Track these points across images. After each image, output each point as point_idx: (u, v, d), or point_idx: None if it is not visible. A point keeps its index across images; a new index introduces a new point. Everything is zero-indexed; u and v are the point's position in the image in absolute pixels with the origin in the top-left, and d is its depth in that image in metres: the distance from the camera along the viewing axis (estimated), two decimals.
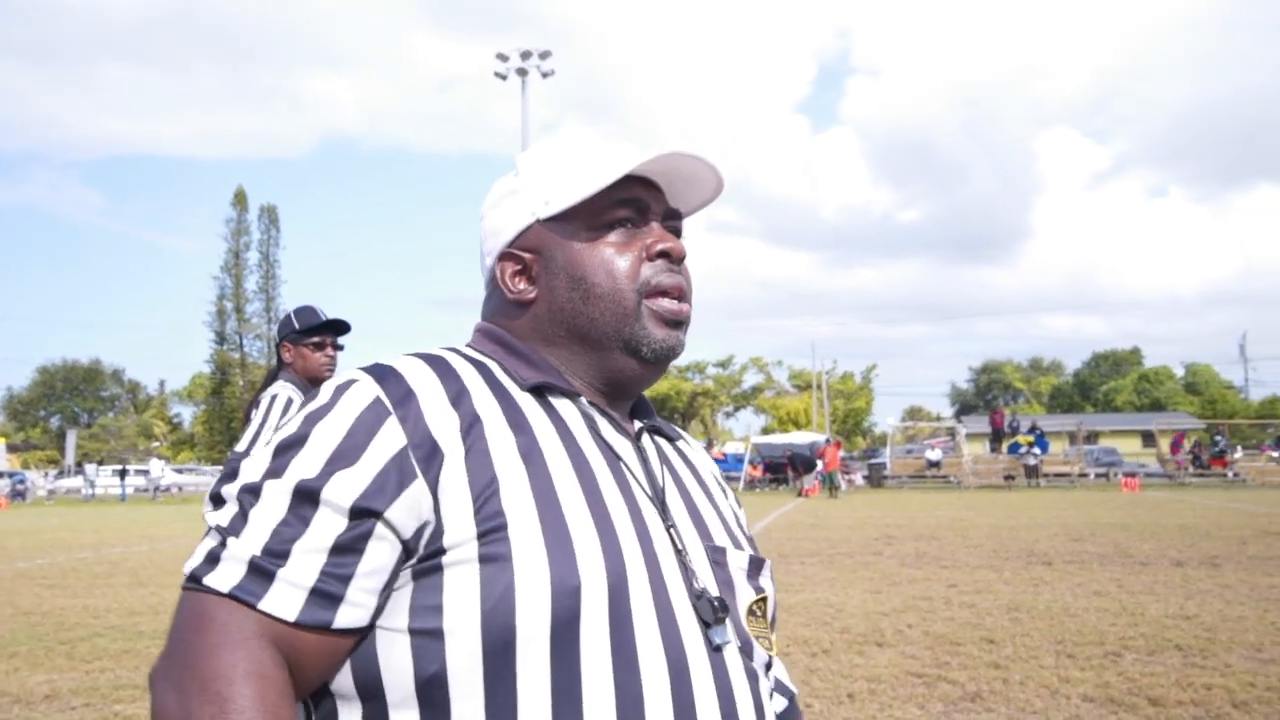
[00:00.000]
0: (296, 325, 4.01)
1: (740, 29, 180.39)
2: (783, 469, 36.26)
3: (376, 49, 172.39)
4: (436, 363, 0.99)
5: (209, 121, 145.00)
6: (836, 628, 7.05)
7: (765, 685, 1.05)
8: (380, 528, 0.87)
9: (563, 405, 1.03)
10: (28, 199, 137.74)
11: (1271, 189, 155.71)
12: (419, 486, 0.88)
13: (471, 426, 0.93)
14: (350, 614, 0.87)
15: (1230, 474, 34.32)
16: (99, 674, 5.97)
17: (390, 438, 0.89)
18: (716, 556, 1.05)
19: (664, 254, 1.06)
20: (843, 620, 7.34)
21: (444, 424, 0.92)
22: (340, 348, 4.07)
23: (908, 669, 5.74)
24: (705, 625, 0.96)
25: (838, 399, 73.02)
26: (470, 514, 0.88)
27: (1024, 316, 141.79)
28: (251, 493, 0.88)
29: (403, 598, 0.89)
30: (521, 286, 1.08)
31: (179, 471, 49.80)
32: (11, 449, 63.42)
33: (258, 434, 3.64)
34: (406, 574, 0.89)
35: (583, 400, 1.05)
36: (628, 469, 1.02)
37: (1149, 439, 46.68)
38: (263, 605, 0.84)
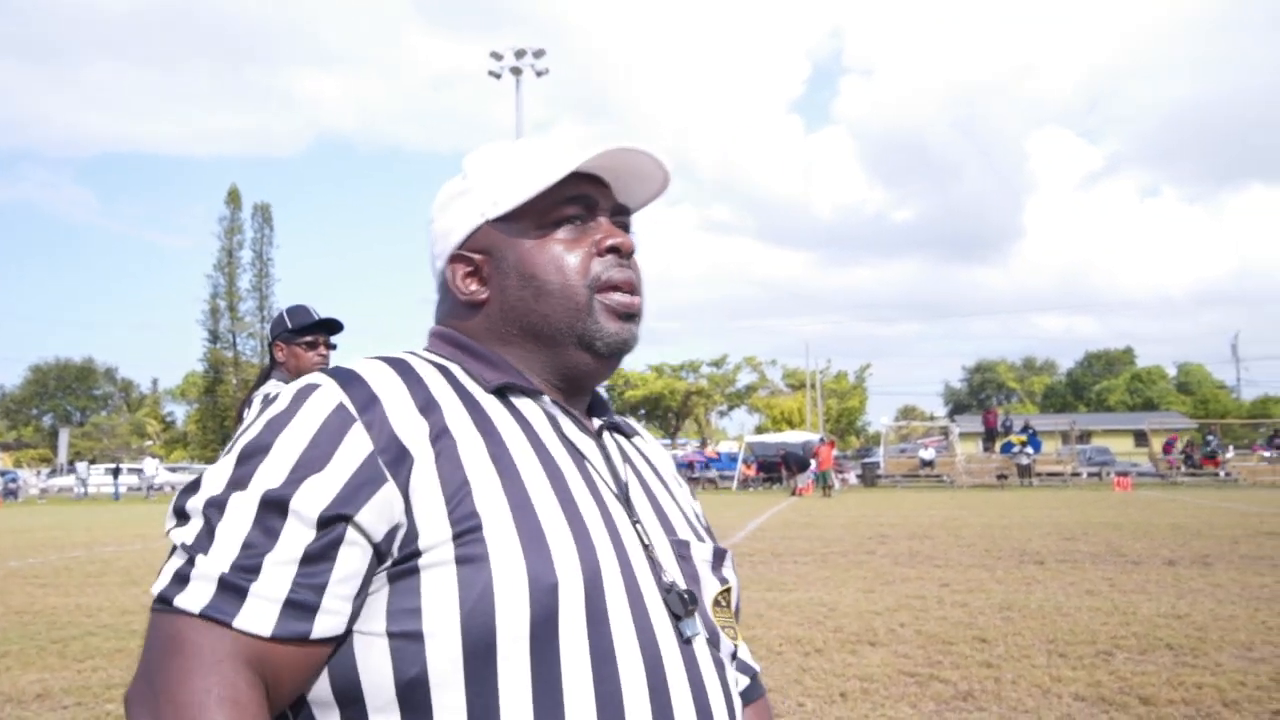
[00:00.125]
0: (289, 324, 4.01)
1: (734, 28, 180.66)
2: (776, 468, 36.31)
3: (370, 47, 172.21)
4: (399, 366, 0.99)
5: (203, 120, 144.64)
6: (829, 626, 7.06)
7: (732, 675, 1.07)
8: (351, 532, 0.86)
9: (525, 405, 1.04)
10: (21, 197, 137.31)
11: (1264, 189, 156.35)
12: (389, 489, 0.88)
13: (439, 430, 0.93)
14: (327, 622, 0.86)
15: (1222, 473, 34.47)
16: (91, 673, 5.96)
17: (356, 444, 0.88)
18: (681, 550, 1.06)
19: (614, 249, 1.07)
20: (836, 619, 7.36)
21: (411, 428, 0.91)
22: (333, 347, 4.07)
23: (900, 668, 5.75)
24: (676, 618, 0.98)
25: (831, 398, 73.10)
26: (444, 516, 0.88)
27: (1017, 316, 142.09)
28: (216, 507, 0.86)
29: (379, 601, 0.88)
30: (473, 288, 1.08)
31: (172, 470, 49.66)
32: (4, 448, 63.29)
33: None
34: (382, 578, 0.89)
35: (545, 399, 1.06)
36: (592, 467, 1.03)
37: (1141, 438, 46.85)
38: (237, 623, 0.83)
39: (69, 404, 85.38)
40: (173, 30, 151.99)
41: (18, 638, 7.15)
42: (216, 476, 0.89)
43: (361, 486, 0.86)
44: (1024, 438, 35.65)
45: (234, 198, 56.21)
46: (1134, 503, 22.24)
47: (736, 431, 70.66)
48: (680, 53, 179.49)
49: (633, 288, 1.08)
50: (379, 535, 0.87)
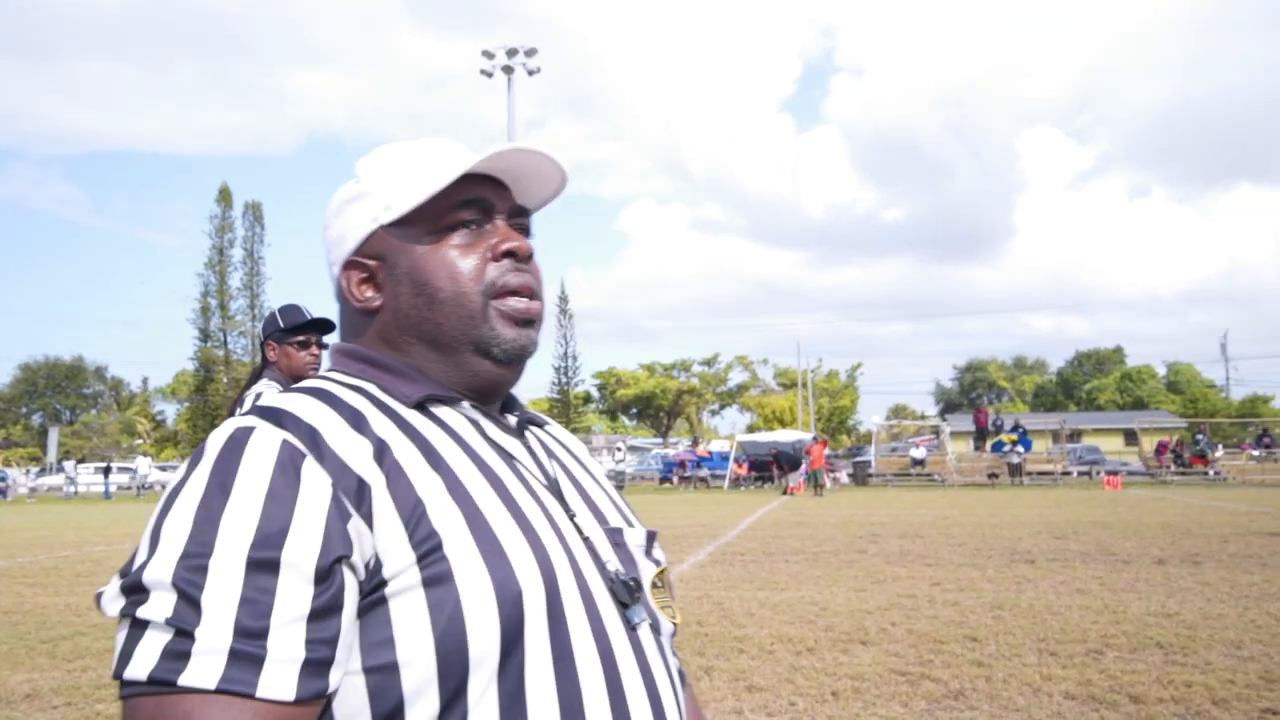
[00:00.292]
0: (281, 324, 4.01)
1: (726, 27, 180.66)
2: (768, 467, 36.35)
3: (361, 45, 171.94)
4: (320, 394, 0.96)
5: (193, 117, 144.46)
6: (821, 625, 7.07)
7: (673, 659, 1.09)
8: (347, 576, 0.83)
9: (447, 414, 1.02)
10: (8, 194, 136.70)
11: (1252, 189, 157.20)
12: (357, 523, 0.85)
13: (381, 452, 0.91)
14: (338, 673, 0.83)
15: (1211, 472, 34.58)
16: (80, 673, 5.94)
17: (315, 482, 0.85)
18: (616, 538, 1.06)
19: (510, 253, 1.05)
20: (827, 618, 7.37)
21: (357, 455, 0.89)
22: (325, 347, 4.06)
23: (891, 667, 5.76)
24: (623, 606, 0.99)
25: (823, 397, 73.20)
26: (405, 540, 0.86)
27: (1008, 315, 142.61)
28: (190, 573, 0.79)
29: (353, 638, 0.85)
30: (367, 294, 1.06)
31: (163, 469, 49.49)
32: None
33: None
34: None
35: (465, 405, 1.05)
36: (522, 466, 1.03)
37: (1131, 437, 46.98)
38: (261, 692, 0.77)
39: (59, 402, 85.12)
40: (163, 28, 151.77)
41: (7, 637, 7.12)
42: (171, 543, 0.81)
43: (338, 525, 0.83)
44: (1014, 437, 35.74)
45: (225, 196, 55.94)
46: (1124, 502, 22.31)
47: (728, 430, 70.78)
48: (671, 52, 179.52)
49: (531, 292, 1.06)
50: (362, 573, 0.85)
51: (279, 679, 0.78)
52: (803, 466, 31.42)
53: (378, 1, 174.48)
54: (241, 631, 0.78)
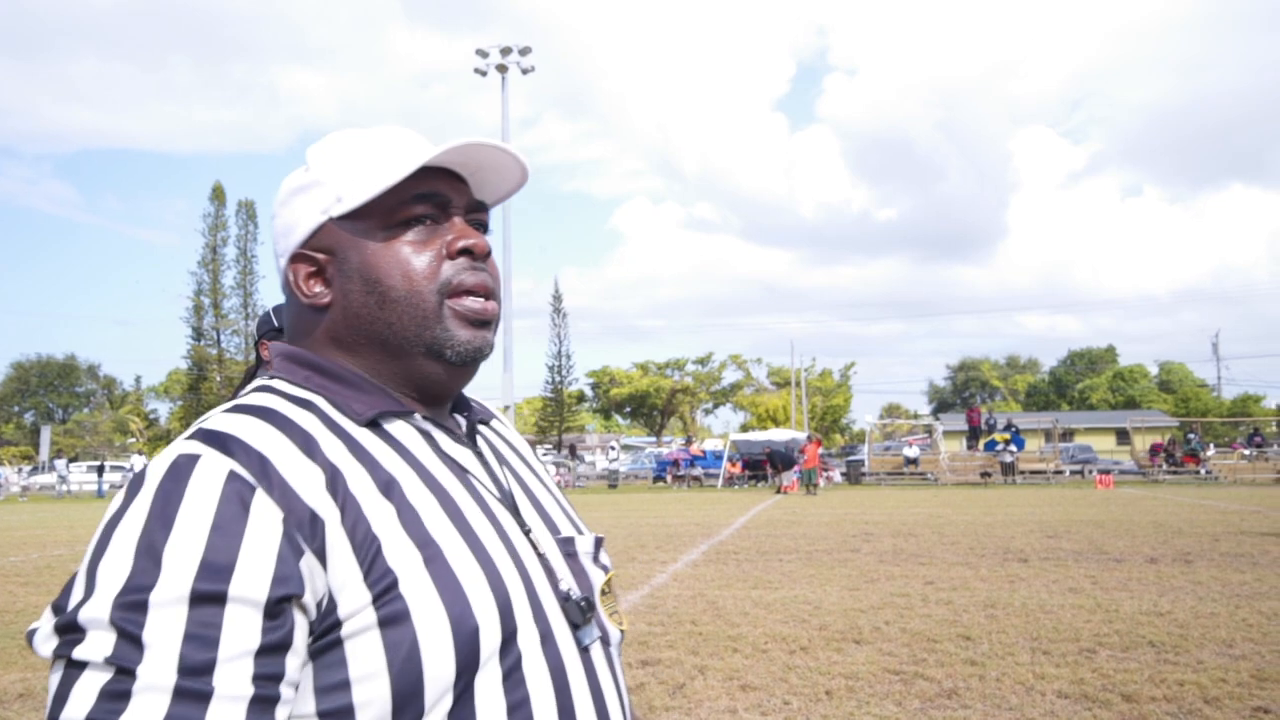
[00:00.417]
0: (275, 323, 3.99)
1: (719, 26, 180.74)
2: (761, 466, 36.37)
3: (355, 44, 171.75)
4: (268, 415, 0.90)
5: (186, 115, 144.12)
6: (814, 625, 7.08)
7: (621, 673, 1.07)
8: (298, 617, 0.80)
9: (399, 429, 0.98)
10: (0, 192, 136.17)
11: (1244, 189, 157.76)
12: (309, 560, 0.81)
13: (334, 481, 0.86)
14: (285, 712, 0.79)
15: (1203, 471, 34.68)
16: None
17: (265, 515, 0.80)
18: (567, 547, 1.05)
19: (466, 251, 1.01)
20: (820, 617, 7.38)
21: (310, 486, 0.84)
22: None
23: (885, 666, 5.77)
24: (574, 627, 0.97)
25: (816, 396, 73.34)
26: (360, 579, 0.83)
27: (1000, 314, 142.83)
28: (130, 611, 0.74)
29: (305, 680, 0.82)
30: (316, 290, 1.01)
31: None
32: None
33: None
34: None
35: (417, 417, 1.00)
36: (476, 480, 1.00)
37: (1123, 436, 47.13)
38: None
39: (51, 401, 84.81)
40: (155, 25, 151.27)
41: (0, 637, 7.11)
42: (109, 579, 0.76)
43: (290, 562, 0.79)
44: (1007, 436, 35.80)
45: (218, 194, 55.82)
46: (1116, 501, 22.37)
47: (722, 429, 70.88)
48: (665, 50, 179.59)
49: (487, 291, 1.02)
50: (313, 613, 0.81)
51: (225, 716, 0.74)
52: (796, 466, 31.45)
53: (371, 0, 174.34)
54: (186, 668, 0.74)
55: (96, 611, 0.75)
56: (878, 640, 6.51)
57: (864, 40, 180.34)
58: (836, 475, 37.61)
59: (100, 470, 41.46)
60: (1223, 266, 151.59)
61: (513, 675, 0.89)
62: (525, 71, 32.95)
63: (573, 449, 51.10)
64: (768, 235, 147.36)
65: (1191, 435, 38.19)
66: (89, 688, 0.73)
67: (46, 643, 0.77)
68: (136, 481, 0.82)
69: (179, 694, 0.73)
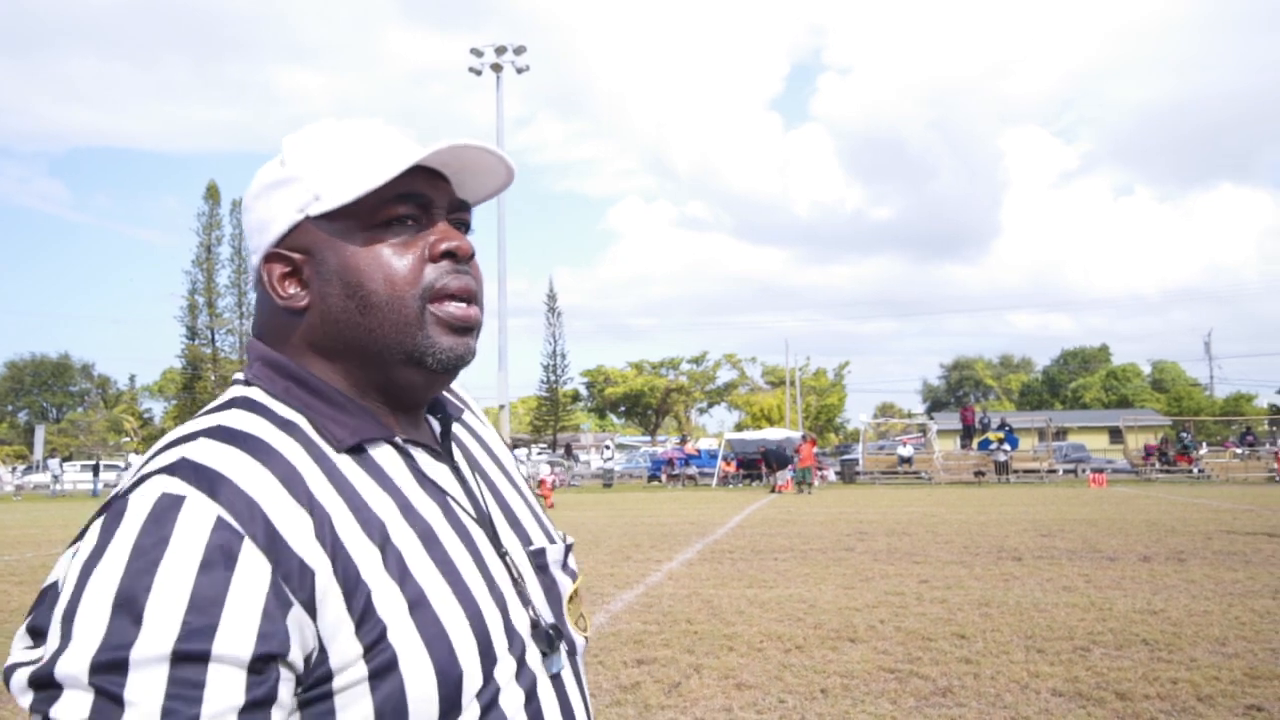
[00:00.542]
0: None
1: (714, 25, 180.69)
2: (756, 465, 36.39)
3: (350, 43, 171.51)
4: (252, 445, 0.86)
5: (181, 114, 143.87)
6: (809, 623, 7.10)
7: (585, 680, 1.07)
8: (284, 673, 0.77)
9: (379, 452, 0.95)
10: None
11: (1234, 189, 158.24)
12: (298, 613, 0.78)
13: (322, 527, 0.83)
14: None
15: (1195, 470, 34.76)
16: None
17: (252, 568, 0.76)
18: (538, 559, 1.04)
19: (449, 254, 0.97)
20: (815, 616, 7.40)
21: (299, 534, 0.81)
22: None
23: (880, 664, 5.79)
24: (544, 655, 0.97)
25: (810, 395, 73.38)
26: (351, 632, 0.81)
27: (994, 314, 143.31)
28: (109, 670, 0.71)
29: None
30: (292, 291, 0.96)
31: None
32: None
33: None
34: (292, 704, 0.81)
35: (397, 439, 0.97)
36: (453, 500, 0.98)
37: (1117, 435, 47.22)
38: None
39: (45, 400, 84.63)
40: (151, 23, 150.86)
41: None
42: (88, 632, 0.73)
43: (276, 618, 0.76)
44: (1001, 435, 35.86)
45: (213, 193, 55.74)
46: (1109, 499, 22.42)
47: (716, 429, 70.79)
48: (659, 50, 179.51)
49: (470, 295, 0.98)
50: (300, 668, 0.79)
51: None
52: (790, 465, 31.47)
53: None
54: None
55: (73, 668, 0.72)
56: (873, 639, 6.53)
57: (858, 39, 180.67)
58: (831, 474, 37.63)
59: (96, 470, 41.34)
60: (1214, 266, 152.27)
61: (490, 711, 0.88)
62: (520, 71, 32.94)
63: (568, 448, 51.13)
64: (761, 234, 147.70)
65: (1184, 434, 38.29)
66: None
67: (23, 694, 0.74)
68: (115, 517, 0.78)
69: None
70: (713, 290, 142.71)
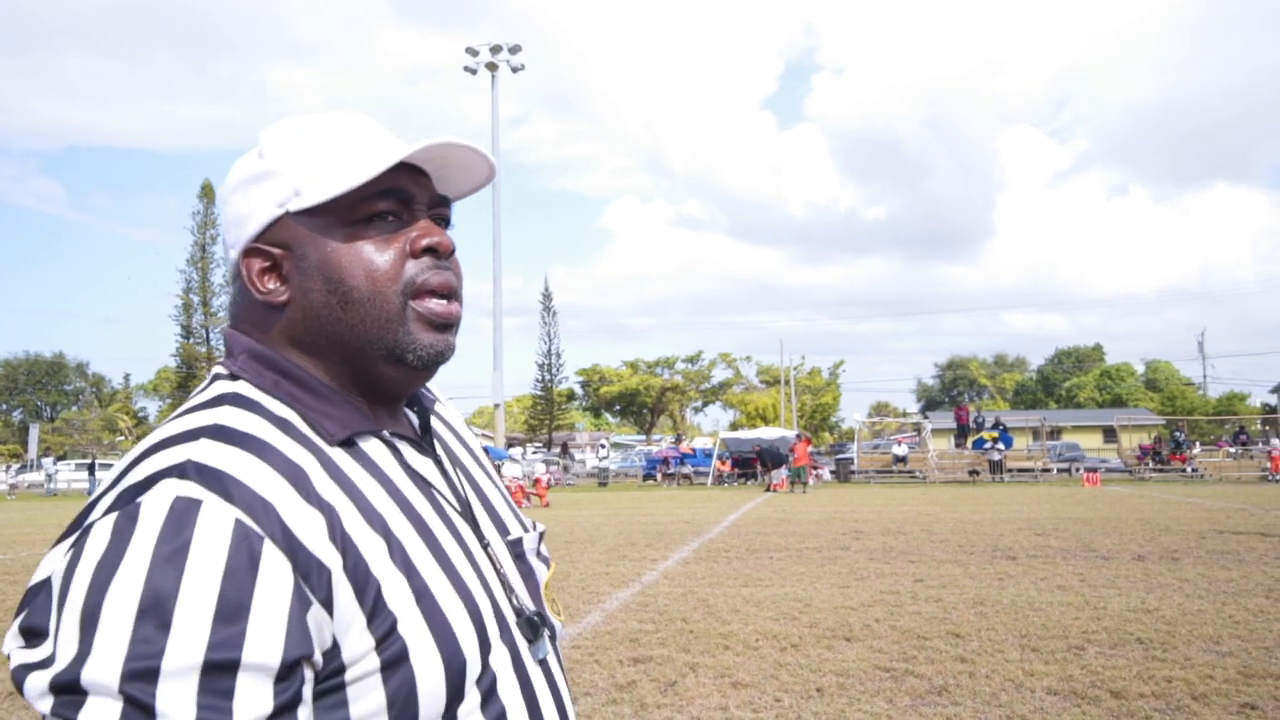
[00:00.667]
0: None
1: (708, 25, 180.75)
2: (751, 464, 36.42)
3: (344, 41, 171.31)
4: (256, 446, 0.86)
5: (174, 112, 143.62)
6: (805, 622, 7.11)
7: (564, 665, 1.10)
8: (307, 672, 0.79)
9: (369, 445, 0.96)
10: None
11: (1229, 188, 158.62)
12: (317, 612, 0.79)
13: (333, 525, 0.83)
14: None
15: (1189, 469, 34.87)
16: None
17: (275, 570, 0.77)
18: (516, 549, 1.06)
19: (430, 249, 0.97)
20: (811, 615, 7.41)
21: (313, 533, 0.81)
22: None
23: (875, 663, 5.80)
24: (529, 642, 1.00)
25: (805, 395, 73.43)
26: (363, 624, 0.82)
27: (988, 313, 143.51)
28: (141, 679, 0.71)
29: None
30: (271, 286, 0.96)
31: None
32: None
33: None
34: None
35: (385, 432, 0.98)
36: (438, 493, 0.99)
37: (1111, 434, 47.33)
38: None
39: (39, 399, 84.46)
40: (145, 21, 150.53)
41: None
42: (114, 637, 0.72)
43: (299, 619, 0.77)
44: (995, 434, 35.97)
45: (207, 192, 55.59)
46: (1103, 498, 22.47)
47: (711, 427, 70.94)
48: (654, 49, 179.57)
49: (450, 291, 0.98)
50: (320, 664, 0.80)
51: None
52: (785, 464, 31.49)
53: None
54: None
55: (101, 675, 0.71)
56: (868, 637, 6.54)
57: (852, 39, 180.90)
58: (826, 473, 37.69)
59: (91, 469, 41.24)
60: (1208, 266, 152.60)
61: (489, 697, 0.91)
62: (515, 70, 32.95)
63: (565, 447, 51.11)
64: (756, 233, 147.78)
65: (1178, 433, 38.39)
66: None
67: (42, 699, 0.73)
68: (127, 520, 0.77)
69: None
70: (708, 289, 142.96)
